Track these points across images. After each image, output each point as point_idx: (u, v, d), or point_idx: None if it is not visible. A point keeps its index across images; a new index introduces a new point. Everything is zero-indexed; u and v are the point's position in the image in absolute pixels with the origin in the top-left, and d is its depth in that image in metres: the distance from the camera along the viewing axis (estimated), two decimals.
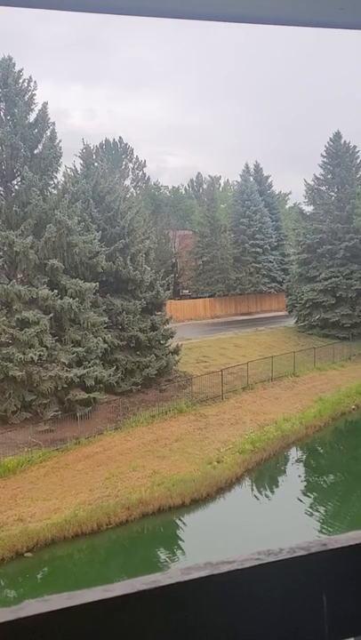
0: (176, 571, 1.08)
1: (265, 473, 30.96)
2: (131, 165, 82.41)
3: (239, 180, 74.06)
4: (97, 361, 33.76)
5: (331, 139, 58.74)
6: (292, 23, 1.38)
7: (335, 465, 33.98)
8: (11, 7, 1.24)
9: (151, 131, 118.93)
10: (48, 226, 32.74)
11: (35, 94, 35.41)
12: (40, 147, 35.60)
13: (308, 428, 35.24)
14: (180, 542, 24.53)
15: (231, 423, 34.44)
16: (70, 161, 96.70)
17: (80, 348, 32.87)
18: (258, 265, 69.06)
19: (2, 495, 25.56)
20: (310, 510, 27.11)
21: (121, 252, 38.16)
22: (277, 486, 30.67)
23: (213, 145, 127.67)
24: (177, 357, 40.30)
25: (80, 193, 37.84)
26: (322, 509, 27.60)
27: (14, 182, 35.36)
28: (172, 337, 40.73)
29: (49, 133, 35.77)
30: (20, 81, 35.08)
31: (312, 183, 59.39)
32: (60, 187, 36.86)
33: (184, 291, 71.87)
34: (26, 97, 35.04)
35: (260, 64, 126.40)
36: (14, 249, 32.45)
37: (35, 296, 32.08)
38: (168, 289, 41.87)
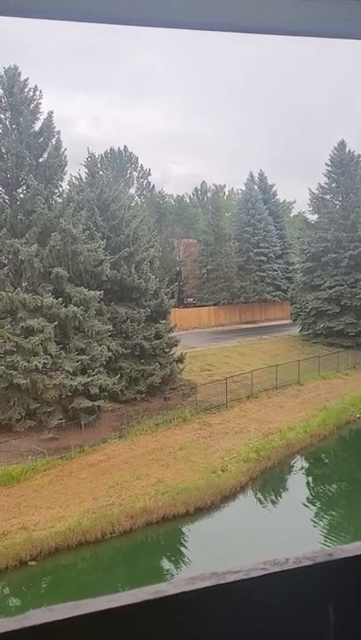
0: (181, 580, 1.08)
1: (269, 482, 30.85)
2: (135, 174, 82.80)
3: (243, 188, 74.30)
4: (101, 369, 33.76)
5: (335, 147, 58.85)
6: (298, 33, 1.39)
7: (340, 474, 33.83)
8: (16, 17, 1.25)
9: (156, 139, 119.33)
10: (53, 234, 32.81)
11: (40, 103, 35.57)
12: (45, 155, 35.72)
13: (312, 437, 35.13)
14: (184, 551, 24.43)
15: (235, 432, 34.36)
16: (75, 169, 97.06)
17: (84, 356, 32.87)
18: (262, 273, 69.09)
19: (6, 503, 25.52)
20: (315, 519, 27.00)
21: (125, 260, 38.21)
22: (282, 495, 30.57)
23: (218, 153, 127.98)
24: (181, 366, 40.28)
25: (85, 201, 37.94)
26: (326, 518, 27.48)
27: (19, 191, 35.46)
28: (176, 345, 40.71)
29: (54, 142, 35.90)
30: (26, 90, 35.21)
31: (317, 192, 59.46)
32: (64, 195, 36.96)
33: (188, 299, 71.86)
34: (31, 106, 35.16)
35: (264, 71, 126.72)
36: (19, 257, 32.52)
37: (39, 304, 32.11)
38: (172, 297, 41.92)
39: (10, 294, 31.84)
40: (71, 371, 32.04)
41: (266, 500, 29.38)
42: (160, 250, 52.00)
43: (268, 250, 68.96)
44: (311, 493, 30.76)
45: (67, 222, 33.27)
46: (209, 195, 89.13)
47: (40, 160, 35.41)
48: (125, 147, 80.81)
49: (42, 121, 35.79)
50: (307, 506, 28.67)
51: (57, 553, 22.70)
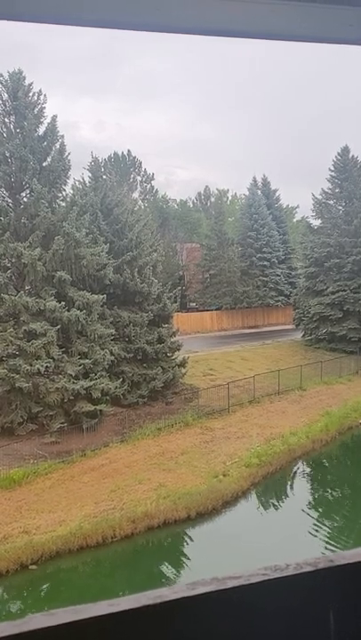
0: (182, 586, 1.08)
1: (271, 487, 30.80)
2: (139, 178, 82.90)
3: (247, 193, 74.37)
4: (103, 373, 33.75)
5: (339, 153, 58.93)
6: (302, 39, 1.39)
7: (342, 479, 33.76)
8: (23, 22, 1.26)
9: (160, 144, 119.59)
10: (56, 238, 32.85)
11: (44, 107, 35.64)
12: (49, 159, 35.78)
13: (314, 442, 35.08)
14: (185, 556, 24.39)
15: (237, 436, 34.31)
16: (79, 173, 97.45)
17: (87, 360, 32.88)
18: (265, 278, 69.14)
19: (7, 507, 25.50)
20: (316, 525, 26.91)
21: (128, 264, 38.23)
22: (283, 500, 30.50)
23: (222, 158, 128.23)
24: (183, 370, 40.24)
25: (88, 205, 37.96)
26: (328, 524, 27.41)
27: (23, 194, 35.52)
28: (178, 349, 40.69)
29: (58, 146, 35.95)
30: (30, 94, 35.30)
31: (320, 197, 59.51)
32: (68, 199, 36.98)
33: (191, 303, 71.90)
34: (35, 110, 35.25)
35: (269, 77, 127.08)
36: (22, 261, 32.56)
37: (42, 308, 32.13)
38: (175, 301, 41.88)
39: (13, 298, 31.87)
40: (73, 374, 32.05)
41: (267, 506, 29.32)
42: (163, 254, 52.08)
43: (271, 255, 69.01)
44: (313, 499, 30.69)
45: (70, 226, 33.31)
46: (212, 199, 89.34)
47: (44, 164, 35.47)
48: (129, 151, 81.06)
49: (46, 125, 35.90)
50: (308, 511, 28.60)
51: (58, 557, 22.68)
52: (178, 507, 25.87)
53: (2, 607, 21.32)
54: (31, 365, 30.80)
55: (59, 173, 35.74)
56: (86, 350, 33.27)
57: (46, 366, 31.33)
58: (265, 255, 68.58)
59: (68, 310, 32.61)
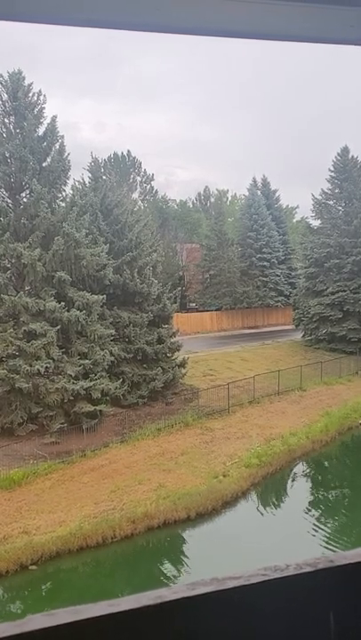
0: (182, 586, 1.08)
1: (271, 487, 30.79)
2: (139, 179, 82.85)
3: (247, 193, 74.38)
4: (103, 373, 33.74)
5: (338, 153, 58.94)
6: (303, 40, 1.39)
7: (342, 480, 33.76)
8: (22, 22, 1.26)
9: (160, 144, 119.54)
10: (56, 238, 32.83)
11: (44, 107, 35.62)
12: (49, 160, 35.76)
13: (314, 443, 35.08)
14: (185, 557, 24.37)
15: (237, 437, 34.31)
16: (79, 174, 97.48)
17: (87, 361, 32.86)
18: (265, 278, 69.15)
19: (7, 507, 25.49)
20: (316, 525, 26.91)
21: (128, 264, 38.22)
22: (283, 501, 30.49)
23: (222, 158, 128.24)
24: (183, 370, 40.23)
25: (88, 206, 37.94)
26: (328, 525, 27.41)
27: (23, 195, 35.50)
28: (178, 350, 40.68)
29: (58, 146, 35.93)
30: (30, 94, 35.29)
31: (320, 197, 59.53)
32: (68, 199, 36.95)
33: (191, 304, 71.90)
34: (35, 110, 35.24)
35: (269, 78, 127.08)
36: (22, 261, 32.55)
37: (42, 308, 32.12)
38: (175, 302, 41.87)
39: (12, 298, 31.86)
40: (73, 375, 32.04)
41: (267, 506, 29.31)
42: (163, 254, 52.08)
43: (270, 255, 69.02)
44: (313, 499, 30.68)
45: (70, 226, 33.29)
46: (212, 200, 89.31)
47: (43, 164, 35.45)
48: (129, 151, 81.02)
49: (45, 125, 35.89)
50: (308, 512, 28.59)
51: (58, 557, 22.67)
52: (178, 507, 25.87)
53: (2, 608, 21.32)
54: (31, 366, 30.80)
55: (58, 174, 35.72)
56: (86, 351, 33.27)
57: (46, 367, 31.33)
58: (265, 255, 68.60)
59: (68, 311, 32.60)
